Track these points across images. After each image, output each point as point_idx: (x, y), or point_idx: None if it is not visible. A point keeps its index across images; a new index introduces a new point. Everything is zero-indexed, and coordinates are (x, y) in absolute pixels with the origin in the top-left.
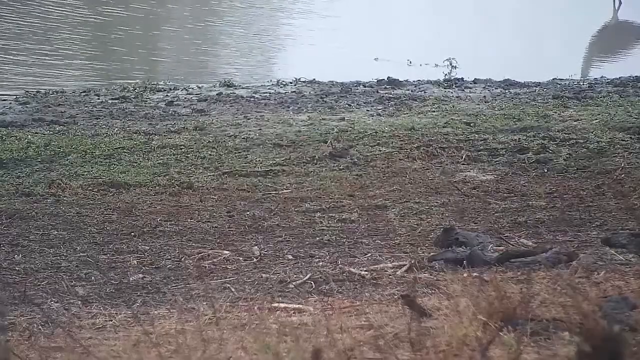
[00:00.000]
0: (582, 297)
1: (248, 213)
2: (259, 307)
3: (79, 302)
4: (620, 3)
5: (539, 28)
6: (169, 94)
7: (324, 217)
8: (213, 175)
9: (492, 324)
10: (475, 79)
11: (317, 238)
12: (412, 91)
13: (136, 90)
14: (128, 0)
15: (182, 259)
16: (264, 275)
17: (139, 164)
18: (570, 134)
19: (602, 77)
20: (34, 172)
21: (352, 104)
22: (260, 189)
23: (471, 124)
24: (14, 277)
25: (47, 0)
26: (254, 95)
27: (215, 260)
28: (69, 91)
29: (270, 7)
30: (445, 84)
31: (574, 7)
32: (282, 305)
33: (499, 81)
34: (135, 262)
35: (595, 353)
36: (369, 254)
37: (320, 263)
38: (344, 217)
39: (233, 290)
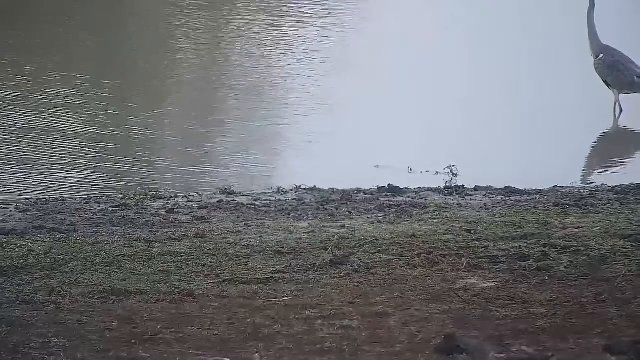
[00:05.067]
0: None
1: (249, 320)
2: None
3: None
4: (621, 111)
5: (540, 134)
6: (169, 202)
7: (324, 324)
8: (214, 282)
9: None
10: (476, 186)
11: (318, 346)
12: (412, 198)
13: (136, 198)
14: (127, 105)
15: None
16: None
17: (140, 272)
18: (571, 241)
19: (603, 184)
20: (34, 280)
21: (353, 211)
22: (260, 296)
23: (472, 231)
24: None
25: (45, 109)
26: (254, 202)
27: None
28: (69, 199)
29: (269, 112)
30: (446, 192)
31: (575, 113)
32: None
33: (500, 189)
34: None
35: None
36: None
37: None
38: (344, 324)
39: None
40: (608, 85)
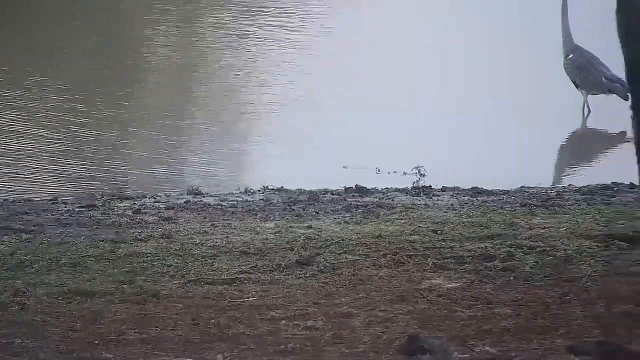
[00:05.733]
0: None
1: (213, 321)
2: None
3: None
4: (589, 112)
5: (509, 134)
6: (136, 202)
7: (289, 325)
8: (179, 283)
9: None
10: (443, 186)
11: (282, 346)
12: (380, 199)
13: (103, 199)
14: (98, 106)
15: None
16: None
17: (105, 272)
18: (537, 241)
19: (570, 185)
20: None
21: (320, 212)
22: (225, 297)
23: (438, 232)
24: None
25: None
26: (221, 203)
27: None
28: (36, 199)
29: (238, 110)
30: (413, 192)
31: (544, 112)
32: None
33: (467, 189)
34: None
35: None
36: None
37: None
38: (309, 325)
39: None
40: (577, 85)
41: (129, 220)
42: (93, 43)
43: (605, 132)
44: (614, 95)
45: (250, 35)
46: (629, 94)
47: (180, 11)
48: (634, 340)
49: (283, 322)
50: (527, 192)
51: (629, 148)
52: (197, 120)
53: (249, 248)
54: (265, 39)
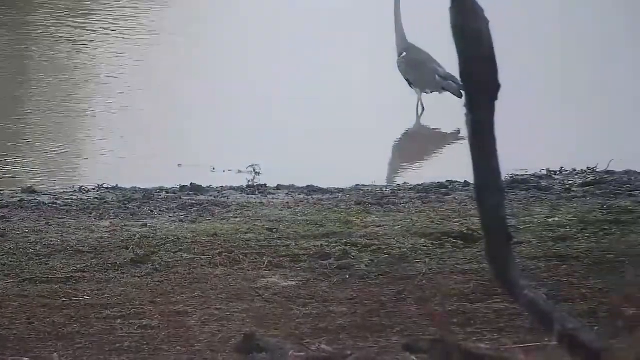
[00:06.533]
0: None
1: (48, 320)
2: None
3: None
4: (423, 110)
5: (344, 132)
6: None
7: (124, 323)
8: (14, 282)
9: None
10: (278, 185)
11: (118, 345)
12: (215, 197)
13: None
14: None
15: None
16: None
17: None
18: (372, 240)
19: (404, 183)
20: None
21: (155, 210)
22: (60, 296)
23: (274, 230)
24: None
25: None
26: (56, 201)
27: None
28: None
29: (73, 108)
30: (249, 190)
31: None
32: None
33: (302, 187)
34: None
35: None
36: None
37: None
38: (144, 323)
39: None
40: (410, 84)
41: None
42: None
43: (439, 130)
44: (447, 93)
45: (83, 35)
46: (462, 92)
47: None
48: (469, 337)
49: (119, 320)
50: (362, 190)
51: (463, 146)
52: (30, 120)
53: (83, 247)
54: (96, 38)
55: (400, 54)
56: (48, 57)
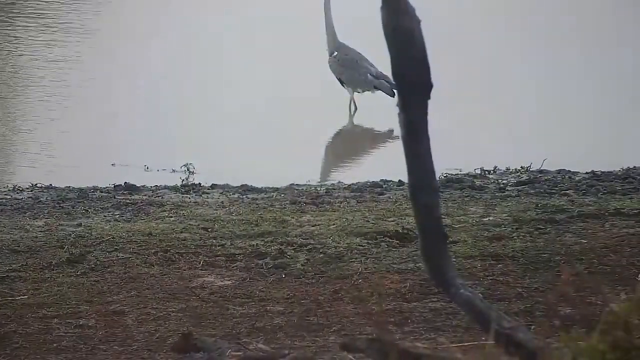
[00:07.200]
0: None
1: None
2: None
3: None
4: (355, 109)
5: (277, 132)
6: None
7: (61, 323)
8: None
9: None
10: (212, 184)
11: (55, 344)
12: (149, 196)
13: None
14: None
15: None
16: None
17: None
18: (308, 239)
19: (339, 182)
20: None
21: (90, 210)
22: None
23: (209, 230)
24: None
25: None
26: None
27: None
28: None
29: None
30: (183, 190)
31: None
32: None
33: (237, 187)
34: None
35: None
36: None
37: None
38: (81, 323)
39: None
40: (342, 83)
41: None
42: None
43: (372, 129)
44: (380, 92)
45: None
46: (395, 91)
47: None
48: (406, 336)
49: (55, 320)
50: (297, 189)
51: (397, 145)
52: None
53: (18, 246)
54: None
55: (331, 54)
56: None
